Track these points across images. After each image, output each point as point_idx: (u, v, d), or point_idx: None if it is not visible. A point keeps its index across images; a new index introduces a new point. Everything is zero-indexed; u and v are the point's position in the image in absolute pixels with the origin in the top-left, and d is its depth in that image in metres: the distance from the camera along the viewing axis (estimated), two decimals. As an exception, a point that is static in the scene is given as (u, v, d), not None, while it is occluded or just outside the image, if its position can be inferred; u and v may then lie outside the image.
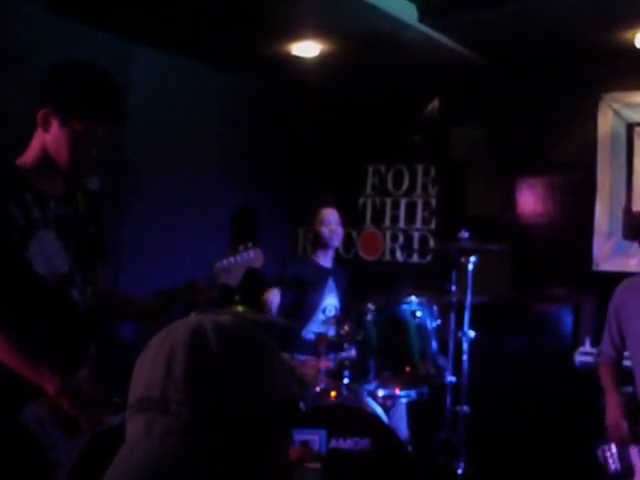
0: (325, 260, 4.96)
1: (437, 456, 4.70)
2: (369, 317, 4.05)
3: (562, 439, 4.73)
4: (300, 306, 4.79)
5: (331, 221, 4.87)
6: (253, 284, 4.61)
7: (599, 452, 3.55)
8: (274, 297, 4.57)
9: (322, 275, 4.90)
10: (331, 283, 4.94)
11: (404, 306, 4.06)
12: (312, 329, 4.75)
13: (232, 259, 2.88)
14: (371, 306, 4.06)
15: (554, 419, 4.86)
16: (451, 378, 4.59)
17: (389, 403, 4.59)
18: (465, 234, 4.33)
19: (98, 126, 2.50)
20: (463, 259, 4.35)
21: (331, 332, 4.60)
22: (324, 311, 4.80)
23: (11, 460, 2.43)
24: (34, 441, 2.43)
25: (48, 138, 2.52)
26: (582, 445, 3.86)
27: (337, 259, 5.53)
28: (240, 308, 4.12)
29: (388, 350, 4.05)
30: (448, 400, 4.67)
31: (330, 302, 4.86)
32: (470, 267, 4.36)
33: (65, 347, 2.57)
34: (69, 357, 2.56)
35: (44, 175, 2.57)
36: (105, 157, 4.28)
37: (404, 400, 4.53)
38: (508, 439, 4.91)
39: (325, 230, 4.87)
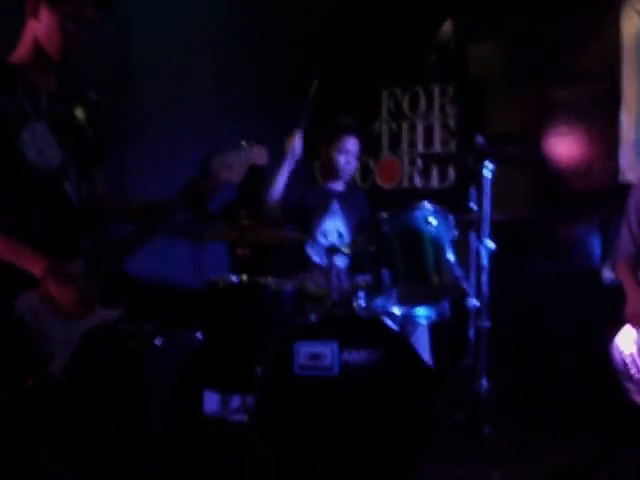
0: (335, 185, 4.73)
1: (461, 383, 4.52)
2: (381, 227, 3.86)
3: (589, 356, 4.55)
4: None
5: (349, 150, 4.57)
6: (257, 190, 4.48)
7: (617, 354, 3.36)
8: (297, 142, 4.37)
9: (325, 197, 4.63)
10: (335, 206, 4.66)
11: (417, 213, 3.85)
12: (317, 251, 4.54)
13: (234, 155, 2.76)
14: (384, 215, 3.87)
15: (582, 339, 4.67)
16: (475, 302, 4.40)
17: (410, 329, 4.43)
18: (481, 138, 4.14)
19: (86, 4, 2.51)
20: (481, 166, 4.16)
21: (341, 263, 4.42)
22: (325, 235, 4.59)
23: (3, 350, 2.38)
24: (28, 332, 2.39)
25: (39, 27, 2.53)
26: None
27: (352, 184, 5.29)
28: (246, 222, 3.94)
29: (402, 260, 3.85)
30: (471, 331, 4.46)
31: (332, 226, 4.61)
32: (488, 174, 4.16)
33: (56, 238, 2.56)
34: (60, 248, 2.53)
35: (36, 70, 2.59)
36: (107, 76, 4.21)
37: (424, 321, 4.35)
38: (532, 359, 4.75)
39: (341, 159, 4.57)
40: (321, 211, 4.60)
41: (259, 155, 2.79)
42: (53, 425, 2.47)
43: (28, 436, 2.45)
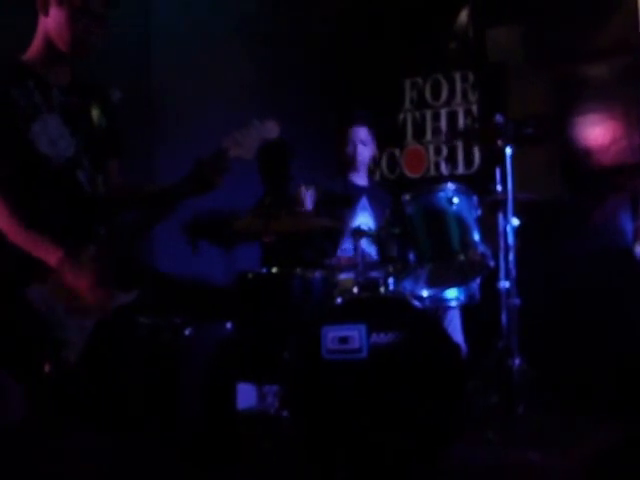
0: (359, 179, 4.79)
1: (494, 364, 4.49)
2: (404, 209, 3.87)
3: (623, 334, 4.50)
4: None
5: (356, 139, 4.70)
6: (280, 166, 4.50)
7: None
8: (307, 198, 4.41)
9: (354, 192, 4.73)
10: (364, 201, 4.75)
11: (440, 193, 3.86)
12: (346, 247, 4.58)
13: (244, 131, 2.75)
14: (406, 197, 3.88)
15: (616, 317, 4.63)
16: (504, 283, 4.37)
17: (442, 312, 4.43)
18: (500, 118, 4.13)
19: None
20: (500, 143, 4.15)
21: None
22: None
23: (14, 337, 2.43)
24: (38, 318, 2.43)
25: (49, 22, 2.61)
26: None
27: (380, 180, 5.37)
28: (272, 210, 3.96)
29: (426, 240, 3.85)
30: (503, 313, 4.42)
31: (363, 221, 4.64)
32: (508, 151, 4.15)
33: (70, 226, 2.60)
34: (74, 236, 2.57)
35: (48, 64, 2.66)
36: (130, 76, 4.25)
37: (454, 304, 4.34)
38: (566, 338, 4.70)
39: (350, 149, 4.71)
40: (351, 206, 4.66)
41: (270, 130, 2.78)
42: (75, 410, 2.50)
43: (52, 421, 2.49)
